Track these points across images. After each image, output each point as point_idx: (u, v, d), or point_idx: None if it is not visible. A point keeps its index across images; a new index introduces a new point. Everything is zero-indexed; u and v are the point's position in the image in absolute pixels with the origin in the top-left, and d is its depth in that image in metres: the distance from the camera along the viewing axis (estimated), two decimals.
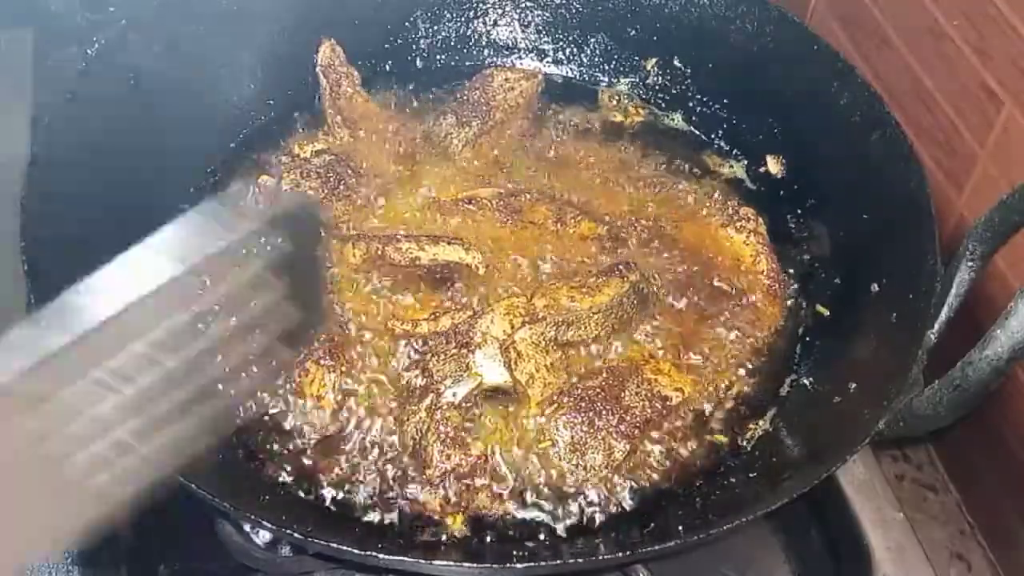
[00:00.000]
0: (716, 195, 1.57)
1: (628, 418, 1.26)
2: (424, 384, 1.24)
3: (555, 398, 1.26)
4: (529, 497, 1.21)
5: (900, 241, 1.32)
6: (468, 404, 1.22)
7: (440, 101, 1.69)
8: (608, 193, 1.57)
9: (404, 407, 1.24)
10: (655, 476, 1.26)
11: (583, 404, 1.26)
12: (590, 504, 1.22)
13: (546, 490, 1.22)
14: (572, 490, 1.22)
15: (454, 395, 1.22)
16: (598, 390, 1.27)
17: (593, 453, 1.24)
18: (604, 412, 1.26)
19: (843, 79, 1.49)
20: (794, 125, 1.58)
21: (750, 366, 1.37)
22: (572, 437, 1.24)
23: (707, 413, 1.31)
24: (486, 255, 1.41)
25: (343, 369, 1.28)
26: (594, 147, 1.65)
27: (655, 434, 1.28)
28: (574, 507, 1.21)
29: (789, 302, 1.46)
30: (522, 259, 1.42)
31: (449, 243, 1.39)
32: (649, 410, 1.27)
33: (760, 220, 1.52)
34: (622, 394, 1.27)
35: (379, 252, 1.38)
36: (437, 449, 1.19)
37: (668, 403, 1.29)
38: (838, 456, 1.12)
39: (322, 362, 1.26)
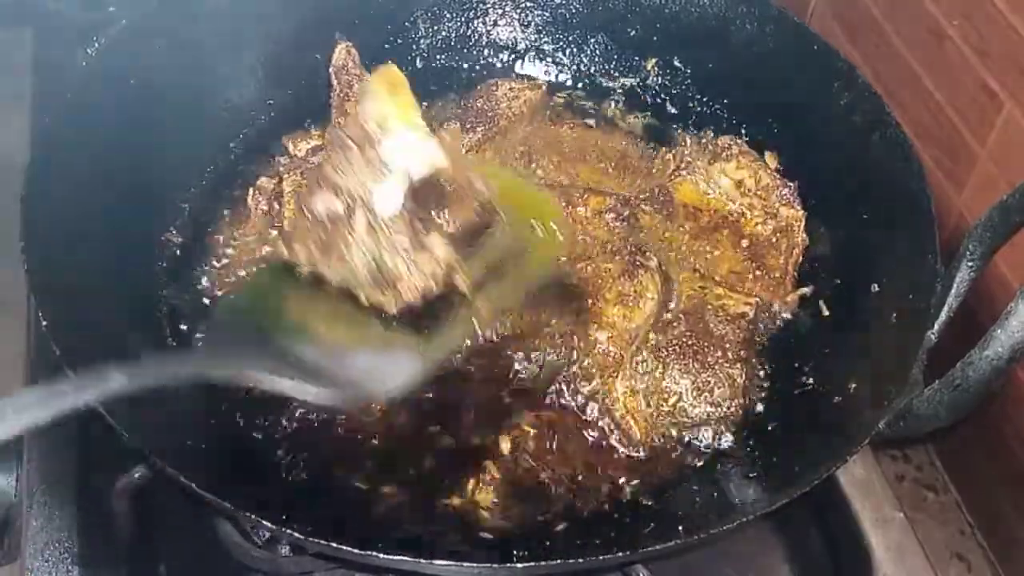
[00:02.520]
0: (688, 141, 1.60)
1: (728, 344, 1.32)
2: (345, 208, 1.05)
3: (659, 354, 1.31)
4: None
5: (900, 241, 1.32)
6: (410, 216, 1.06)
7: (441, 102, 1.69)
8: (607, 175, 1.60)
9: (338, 245, 1.06)
10: (657, 476, 1.26)
11: (686, 351, 1.31)
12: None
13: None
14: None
15: (387, 202, 1.04)
16: (688, 332, 1.33)
17: (719, 388, 1.29)
18: (707, 348, 1.31)
19: (843, 79, 1.49)
20: (794, 125, 1.58)
21: (749, 364, 1.37)
22: (692, 382, 1.29)
23: (706, 414, 1.31)
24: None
25: None
26: (593, 142, 1.65)
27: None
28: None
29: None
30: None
31: None
32: (740, 330, 1.34)
33: (739, 141, 1.55)
34: (709, 327, 1.34)
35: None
36: (403, 264, 1.06)
37: (748, 318, 1.35)
38: (838, 456, 1.12)
39: None
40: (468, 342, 1.26)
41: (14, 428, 0.83)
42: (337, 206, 1.05)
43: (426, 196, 1.07)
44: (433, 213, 1.08)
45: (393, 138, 1.05)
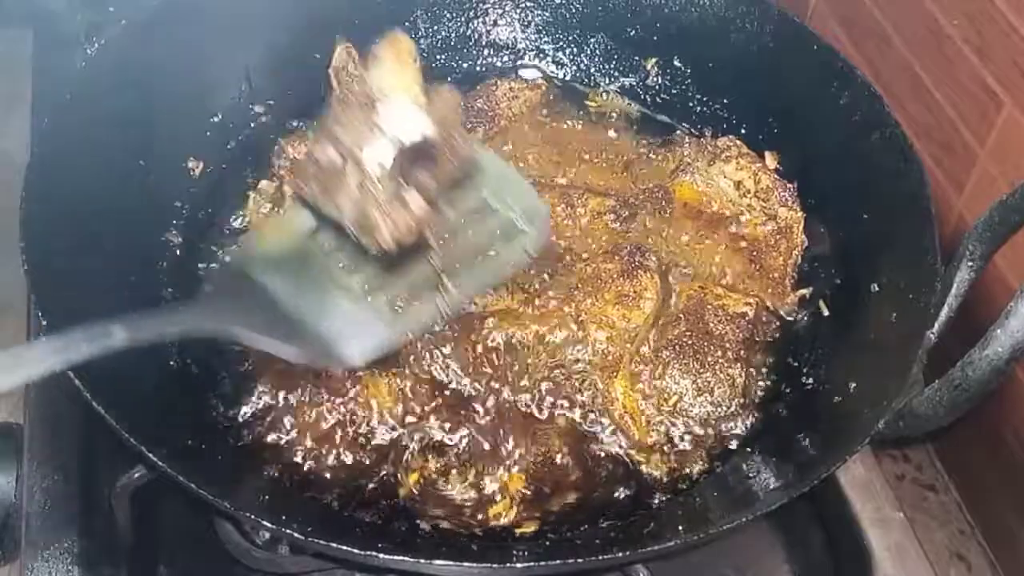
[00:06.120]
0: (687, 142, 1.60)
1: (728, 344, 1.32)
2: (341, 161, 1.12)
3: (658, 356, 1.32)
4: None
5: (900, 241, 1.32)
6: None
7: None
8: (606, 175, 1.60)
9: (333, 188, 1.14)
10: (657, 476, 1.26)
11: (685, 350, 1.32)
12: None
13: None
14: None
15: (376, 163, 1.10)
16: (687, 332, 1.33)
17: (719, 388, 1.30)
18: (707, 348, 1.32)
19: (843, 79, 1.49)
20: (794, 125, 1.58)
21: (749, 364, 1.37)
22: (692, 382, 1.30)
23: (707, 413, 1.31)
24: None
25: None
26: (593, 142, 1.65)
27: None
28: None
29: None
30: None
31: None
32: (739, 330, 1.34)
33: (738, 141, 1.55)
34: (708, 327, 1.34)
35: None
36: (379, 216, 1.12)
37: (747, 318, 1.36)
38: (838, 456, 1.12)
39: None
40: (438, 323, 1.27)
41: (17, 379, 0.89)
42: (335, 158, 1.11)
43: (414, 157, 1.14)
44: (417, 173, 1.14)
45: (389, 106, 1.13)
